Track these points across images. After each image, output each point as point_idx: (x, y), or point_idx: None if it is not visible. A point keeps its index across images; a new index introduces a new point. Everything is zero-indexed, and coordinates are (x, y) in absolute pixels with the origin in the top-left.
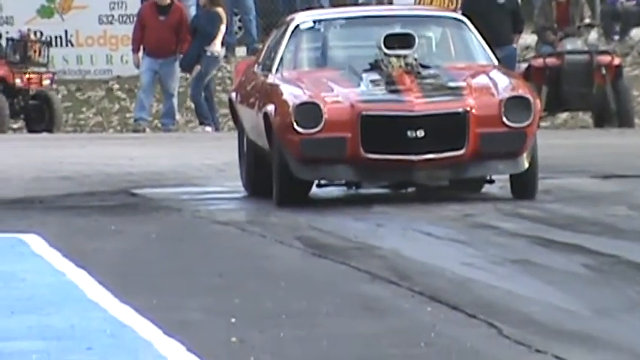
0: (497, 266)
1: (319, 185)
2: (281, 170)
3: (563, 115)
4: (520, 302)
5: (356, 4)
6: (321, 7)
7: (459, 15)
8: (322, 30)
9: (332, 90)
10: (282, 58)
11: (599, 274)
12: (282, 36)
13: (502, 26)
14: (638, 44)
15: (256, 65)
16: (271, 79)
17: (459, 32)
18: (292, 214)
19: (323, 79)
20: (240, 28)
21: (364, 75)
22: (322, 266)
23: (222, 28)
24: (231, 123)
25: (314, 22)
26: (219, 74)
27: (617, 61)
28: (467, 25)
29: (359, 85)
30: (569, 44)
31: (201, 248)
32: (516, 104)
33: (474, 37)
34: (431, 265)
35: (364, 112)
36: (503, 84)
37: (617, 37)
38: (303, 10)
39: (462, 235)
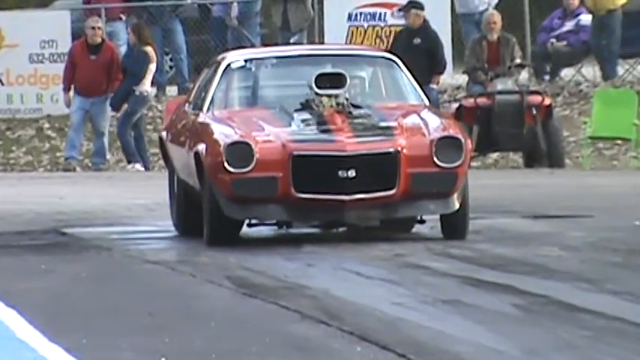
0: (428, 306)
1: (250, 225)
2: (212, 210)
3: (494, 155)
4: (450, 342)
5: (287, 44)
6: (253, 46)
7: (389, 54)
8: (253, 69)
9: (263, 129)
10: (213, 98)
11: (529, 314)
12: (214, 75)
13: (418, 67)
14: (568, 84)
15: (187, 104)
16: (202, 118)
17: (389, 72)
18: (223, 254)
19: (254, 119)
20: (171, 67)
21: (295, 114)
22: (252, 306)
23: (152, 67)
24: (161, 162)
25: (245, 61)
26: (150, 114)
27: (547, 101)
28: (397, 65)
29: (290, 125)
30: (499, 84)
31: (132, 288)
32: (447, 144)
33: (405, 77)
34: (361, 304)
35: (295, 152)
36: (435, 124)
37: (547, 78)
38: (234, 49)
39: (393, 275)
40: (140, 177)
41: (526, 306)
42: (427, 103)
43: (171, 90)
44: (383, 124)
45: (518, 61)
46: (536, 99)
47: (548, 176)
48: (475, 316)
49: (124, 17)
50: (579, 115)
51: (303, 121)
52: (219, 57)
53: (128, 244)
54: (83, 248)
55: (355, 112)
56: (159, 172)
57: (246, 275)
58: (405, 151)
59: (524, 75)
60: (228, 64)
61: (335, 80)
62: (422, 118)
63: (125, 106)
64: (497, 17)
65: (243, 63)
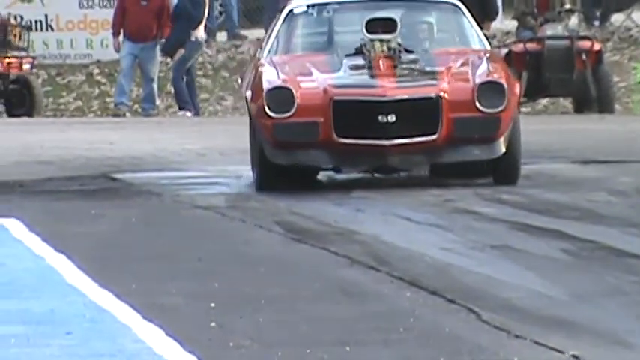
0: (477, 251)
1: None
2: (259, 155)
3: (544, 101)
4: (499, 287)
5: None
6: None
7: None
8: (315, 15)
9: (311, 74)
10: (273, 43)
11: (579, 260)
12: (277, 20)
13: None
14: (618, 30)
15: (259, 49)
16: (260, 63)
17: (453, 17)
18: (272, 199)
19: (307, 64)
20: (221, 13)
21: (345, 60)
22: (302, 251)
23: (206, 12)
24: (211, 108)
25: (307, 6)
26: (200, 59)
27: (597, 46)
28: (461, 10)
29: (338, 70)
30: (549, 30)
31: (181, 233)
32: (489, 89)
33: (468, 22)
34: (410, 250)
35: (336, 97)
36: (481, 69)
37: (597, 23)
38: None
39: (442, 221)
40: (190, 122)
41: (575, 251)
42: (488, 47)
43: (221, 36)
44: (429, 68)
45: (567, 6)
46: (585, 44)
47: (598, 121)
48: (524, 262)
49: None
50: (629, 61)
51: (351, 66)
52: (289, 2)
53: (178, 189)
54: (133, 193)
55: (405, 57)
56: (208, 117)
57: (295, 220)
58: (446, 95)
59: (573, 20)
60: (291, 10)
61: (386, 25)
62: (472, 63)
63: (181, 52)
64: None
65: (305, 8)
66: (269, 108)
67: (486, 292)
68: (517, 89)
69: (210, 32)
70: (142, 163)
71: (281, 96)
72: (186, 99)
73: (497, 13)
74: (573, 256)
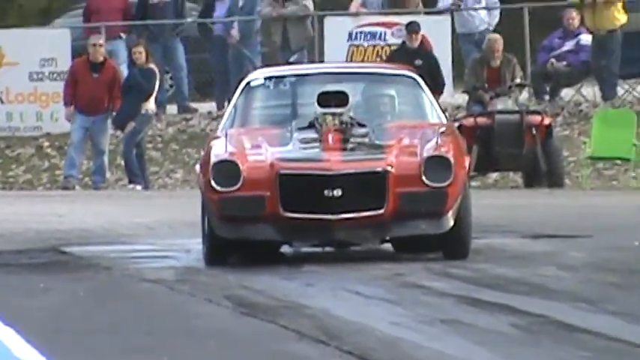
0: (427, 326)
1: (288, 244)
2: (208, 229)
3: (494, 175)
4: None
5: (288, 63)
6: (253, 65)
7: (412, 73)
8: (272, 87)
9: (259, 148)
10: (229, 115)
11: (528, 334)
12: (235, 93)
13: None
14: (568, 104)
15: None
16: (215, 136)
17: (411, 90)
18: (222, 273)
19: (259, 137)
20: (171, 85)
21: (296, 134)
22: (251, 325)
23: (157, 85)
24: (160, 181)
25: (265, 79)
26: (150, 132)
27: (547, 121)
28: (419, 84)
29: (288, 144)
30: (499, 104)
31: (130, 306)
32: (436, 164)
33: (426, 95)
34: (360, 324)
35: (282, 171)
36: (430, 144)
37: (547, 97)
38: (236, 68)
39: (392, 295)
40: (140, 196)
41: (525, 326)
42: (445, 121)
43: (172, 108)
44: (378, 142)
45: (518, 80)
46: (536, 119)
47: (548, 196)
48: (474, 336)
49: (123, 36)
50: (579, 135)
51: (301, 140)
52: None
53: (127, 262)
54: (82, 267)
55: (356, 131)
56: (158, 191)
57: (245, 294)
58: (393, 170)
59: (524, 95)
60: (248, 82)
61: (338, 99)
62: (422, 137)
63: (131, 125)
64: (500, 43)
65: (262, 81)
66: (215, 182)
67: None
68: (466, 163)
69: (160, 105)
70: (91, 236)
71: (227, 170)
72: (136, 172)
73: (444, 85)
74: (523, 330)
